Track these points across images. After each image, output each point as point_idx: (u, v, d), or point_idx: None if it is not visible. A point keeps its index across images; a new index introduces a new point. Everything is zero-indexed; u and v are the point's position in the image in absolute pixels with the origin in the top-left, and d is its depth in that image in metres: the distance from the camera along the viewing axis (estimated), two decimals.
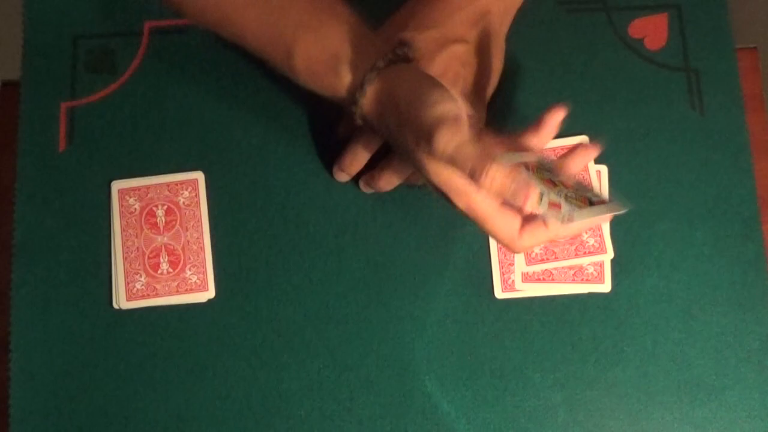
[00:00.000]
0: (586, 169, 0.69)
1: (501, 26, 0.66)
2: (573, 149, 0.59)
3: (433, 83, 0.55)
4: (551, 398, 0.66)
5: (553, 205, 0.55)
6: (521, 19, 0.72)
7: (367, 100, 0.58)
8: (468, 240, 0.68)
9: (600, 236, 0.68)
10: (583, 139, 0.69)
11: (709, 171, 0.69)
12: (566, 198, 0.56)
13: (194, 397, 0.67)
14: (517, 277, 0.68)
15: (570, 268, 0.67)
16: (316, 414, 0.66)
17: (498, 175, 0.51)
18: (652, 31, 0.72)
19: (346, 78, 0.58)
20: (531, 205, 0.54)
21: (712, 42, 0.72)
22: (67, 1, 0.73)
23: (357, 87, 0.58)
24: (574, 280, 0.67)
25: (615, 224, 0.68)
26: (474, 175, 0.51)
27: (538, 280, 0.68)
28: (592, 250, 0.67)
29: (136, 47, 0.72)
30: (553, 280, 0.67)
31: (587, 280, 0.67)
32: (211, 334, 0.68)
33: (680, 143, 0.70)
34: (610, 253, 0.67)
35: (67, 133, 0.71)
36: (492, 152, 0.52)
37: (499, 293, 0.68)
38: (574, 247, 0.67)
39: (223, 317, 0.68)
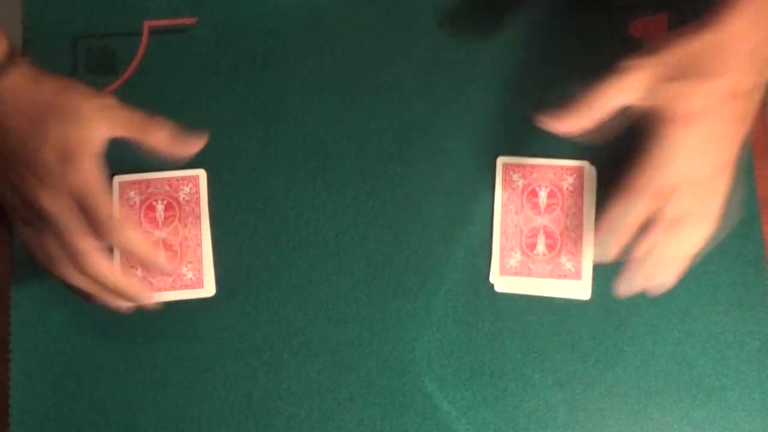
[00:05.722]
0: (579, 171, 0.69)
1: None
2: None
3: None
4: (551, 398, 0.66)
5: None
6: (521, 18, 0.72)
7: None
8: (468, 240, 0.68)
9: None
10: (583, 164, 0.68)
11: None
12: None
13: (194, 397, 0.67)
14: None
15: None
16: (316, 414, 0.66)
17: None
18: (652, 30, 0.72)
19: None
20: None
21: None
22: (67, 1, 0.73)
23: None
24: (551, 274, 0.67)
25: None
26: None
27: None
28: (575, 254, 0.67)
29: (136, 47, 0.72)
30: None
31: (564, 276, 0.67)
32: (211, 333, 0.68)
33: None
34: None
35: None
36: None
37: (497, 279, 0.67)
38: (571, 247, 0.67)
39: (223, 317, 0.68)
